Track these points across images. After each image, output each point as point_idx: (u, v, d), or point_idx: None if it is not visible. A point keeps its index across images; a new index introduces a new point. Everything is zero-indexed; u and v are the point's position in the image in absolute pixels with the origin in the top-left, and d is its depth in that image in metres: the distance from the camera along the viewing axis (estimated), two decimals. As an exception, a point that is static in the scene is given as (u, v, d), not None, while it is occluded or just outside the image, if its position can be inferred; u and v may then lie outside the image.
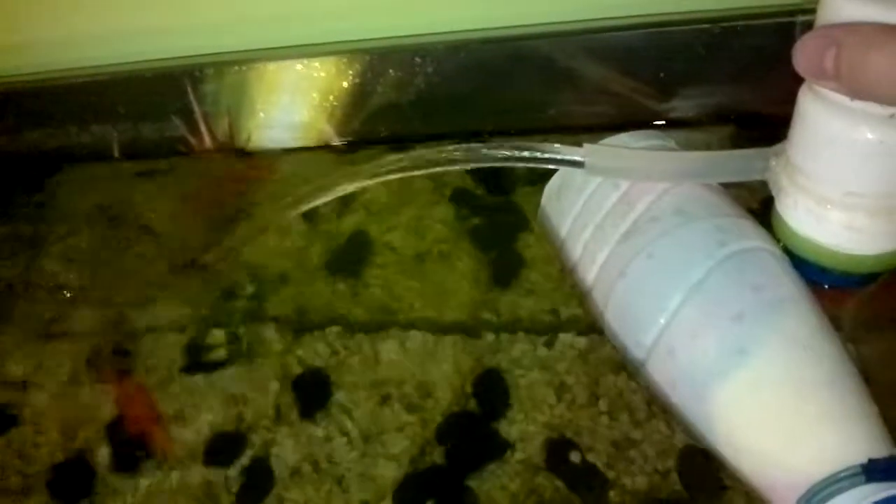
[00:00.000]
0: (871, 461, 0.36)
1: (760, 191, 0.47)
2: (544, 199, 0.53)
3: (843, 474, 0.36)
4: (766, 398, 0.40)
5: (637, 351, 0.45)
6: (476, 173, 0.64)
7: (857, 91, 0.35)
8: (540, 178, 0.54)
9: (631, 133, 0.51)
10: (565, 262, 0.51)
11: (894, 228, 0.40)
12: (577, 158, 0.47)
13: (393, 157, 0.51)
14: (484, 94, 0.66)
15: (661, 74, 0.63)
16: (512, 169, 0.64)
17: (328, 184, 0.53)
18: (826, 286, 0.44)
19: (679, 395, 0.43)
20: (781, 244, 0.45)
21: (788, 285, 0.43)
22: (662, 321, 0.43)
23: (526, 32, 0.64)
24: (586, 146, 0.47)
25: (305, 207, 0.55)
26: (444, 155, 0.49)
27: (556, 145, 0.47)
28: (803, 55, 0.37)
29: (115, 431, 0.53)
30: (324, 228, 0.62)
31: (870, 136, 0.36)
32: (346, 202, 0.63)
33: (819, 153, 0.39)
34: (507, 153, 0.48)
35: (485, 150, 0.49)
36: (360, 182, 0.53)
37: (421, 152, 0.50)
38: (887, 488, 0.35)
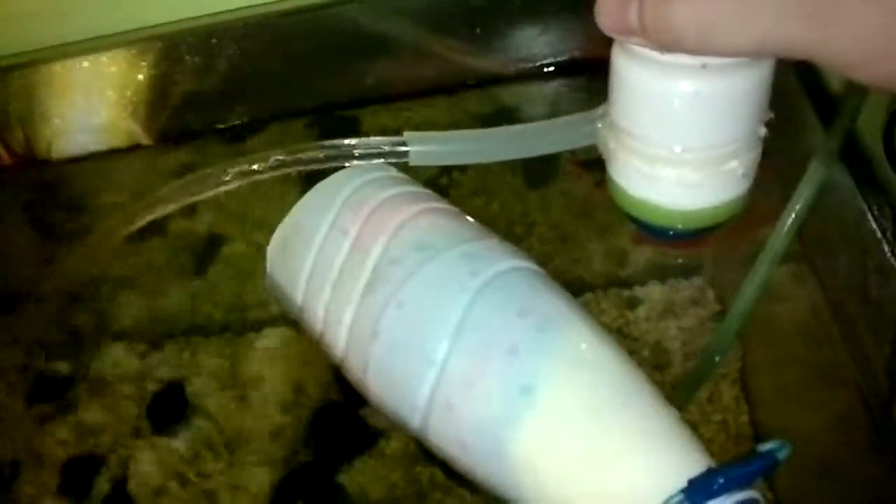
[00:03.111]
0: (690, 483, 0.34)
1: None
2: (269, 265, 0.47)
3: None
4: (566, 434, 0.36)
5: (412, 417, 0.40)
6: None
7: (665, 44, 0.33)
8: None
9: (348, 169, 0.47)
10: (310, 334, 0.46)
11: (724, 180, 0.39)
12: (400, 148, 0.44)
13: (199, 173, 0.47)
14: (294, 70, 0.63)
15: (478, 30, 0.60)
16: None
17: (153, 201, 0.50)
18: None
19: (472, 455, 0.38)
20: (621, 208, 0.42)
21: (555, 302, 0.40)
22: (432, 376, 0.38)
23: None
24: (407, 133, 0.44)
25: (136, 226, 0.51)
26: (256, 165, 0.46)
27: (377, 138, 0.44)
28: (605, 13, 0.35)
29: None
30: (173, 230, 0.60)
31: (685, 88, 0.35)
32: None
33: (639, 111, 0.38)
34: (326, 153, 0.44)
35: (302, 155, 0.45)
36: (174, 203, 0.49)
37: (231, 163, 0.46)
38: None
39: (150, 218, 0.49)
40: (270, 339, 0.52)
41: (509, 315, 0.38)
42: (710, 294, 0.51)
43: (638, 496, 0.34)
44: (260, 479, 0.47)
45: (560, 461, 0.36)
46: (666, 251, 0.54)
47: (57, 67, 0.62)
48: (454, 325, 0.38)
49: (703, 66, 0.35)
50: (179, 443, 0.49)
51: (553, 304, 0.39)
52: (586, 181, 0.47)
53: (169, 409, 0.50)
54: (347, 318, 0.41)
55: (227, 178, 0.46)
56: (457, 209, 0.45)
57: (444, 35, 0.60)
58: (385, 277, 0.41)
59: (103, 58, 0.62)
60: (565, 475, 0.36)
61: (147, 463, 0.48)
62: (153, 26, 0.62)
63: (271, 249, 0.47)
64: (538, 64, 0.62)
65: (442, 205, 0.45)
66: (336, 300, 0.42)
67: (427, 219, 0.43)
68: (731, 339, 0.43)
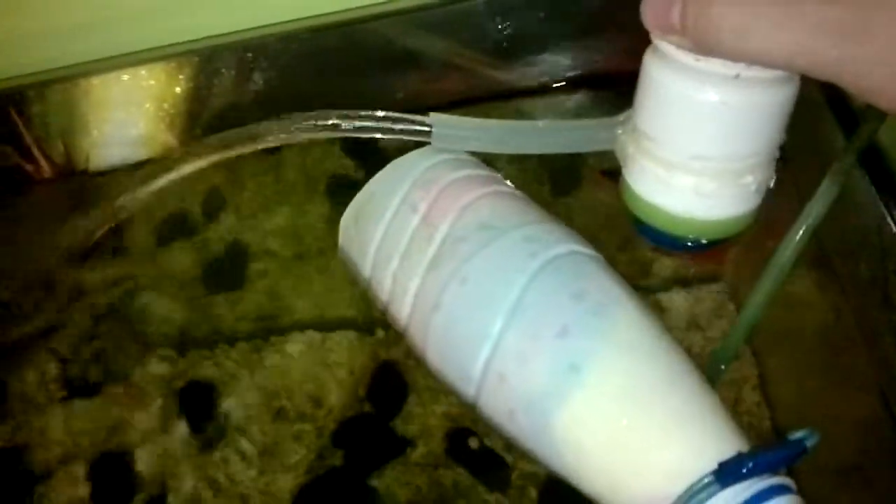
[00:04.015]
0: (721, 465, 0.35)
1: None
2: (342, 238, 0.49)
3: (697, 487, 0.35)
4: (607, 413, 0.38)
5: (467, 387, 0.41)
6: (352, 154, 0.63)
7: (703, 46, 0.34)
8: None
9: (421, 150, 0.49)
10: (378, 302, 0.47)
11: (740, 192, 0.39)
12: (425, 128, 0.45)
13: (227, 133, 0.50)
14: (326, 84, 0.63)
15: (504, 44, 0.60)
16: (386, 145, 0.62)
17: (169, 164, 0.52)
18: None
19: (518, 425, 0.40)
20: (632, 213, 0.43)
21: (609, 287, 0.41)
22: (487, 349, 0.40)
23: (358, 16, 0.61)
24: (433, 115, 0.45)
25: (154, 187, 0.52)
26: (281, 131, 0.48)
27: (403, 115, 0.45)
28: (650, 10, 0.36)
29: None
30: (197, 239, 0.60)
31: (713, 97, 0.36)
32: (215, 209, 0.61)
33: (664, 116, 0.39)
34: (348, 124, 0.46)
35: (330, 121, 0.47)
36: (196, 162, 0.51)
37: (254, 127, 0.49)
38: (743, 490, 0.34)
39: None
40: (304, 345, 0.53)
41: (563, 297, 0.40)
42: (731, 306, 0.52)
43: (671, 476, 0.36)
44: (289, 485, 0.47)
45: (601, 437, 0.38)
46: (687, 263, 0.55)
47: (96, 81, 0.63)
48: (511, 303, 0.40)
49: (736, 77, 0.36)
50: (210, 450, 0.49)
51: (607, 289, 0.41)
52: (610, 191, 0.47)
53: (199, 415, 0.51)
54: (412, 289, 0.43)
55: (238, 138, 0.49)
56: (521, 193, 0.46)
57: (470, 48, 0.61)
58: (450, 254, 0.42)
59: (142, 71, 0.62)
60: (604, 450, 0.38)
61: (178, 469, 0.49)
62: (191, 41, 0.63)
63: (344, 221, 0.49)
64: (562, 77, 0.62)
65: (507, 188, 0.46)
66: (402, 272, 0.44)
67: (492, 201, 0.44)
68: (737, 350, 0.43)
